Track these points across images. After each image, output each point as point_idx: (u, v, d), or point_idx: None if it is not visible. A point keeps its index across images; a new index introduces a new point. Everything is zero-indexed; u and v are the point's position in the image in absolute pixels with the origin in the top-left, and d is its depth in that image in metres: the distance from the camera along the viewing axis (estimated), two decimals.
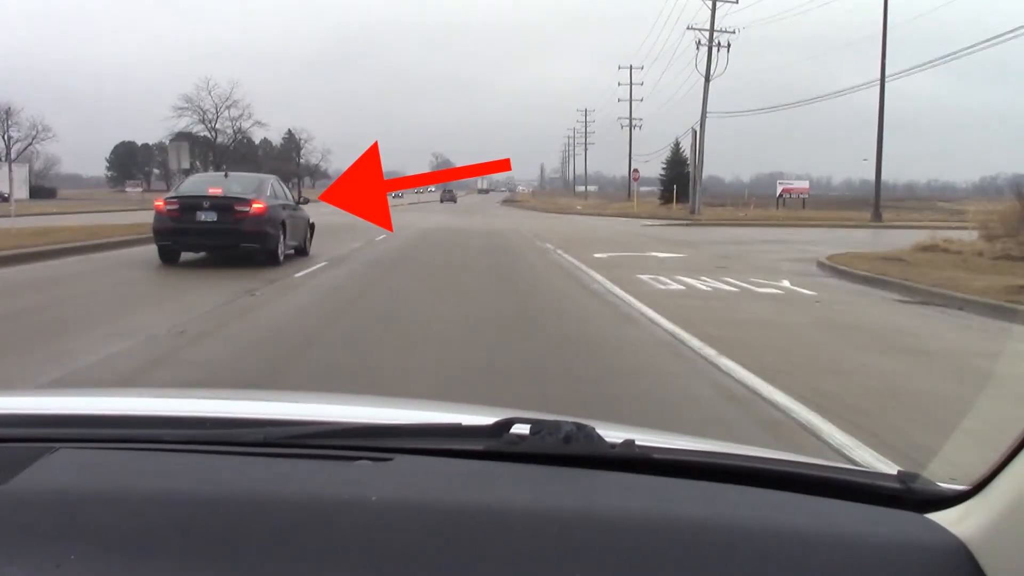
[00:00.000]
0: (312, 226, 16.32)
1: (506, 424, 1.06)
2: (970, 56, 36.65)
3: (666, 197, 67.60)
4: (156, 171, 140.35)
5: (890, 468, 3.19)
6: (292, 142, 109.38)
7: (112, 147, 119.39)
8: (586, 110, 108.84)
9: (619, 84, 79.62)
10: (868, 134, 37.45)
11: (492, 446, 1.03)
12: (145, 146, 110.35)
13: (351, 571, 0.81)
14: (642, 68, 80.00)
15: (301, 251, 15.36)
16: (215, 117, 78.90)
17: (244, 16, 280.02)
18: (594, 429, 1.04)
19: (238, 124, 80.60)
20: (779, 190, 52.67)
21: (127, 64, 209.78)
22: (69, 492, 0.92)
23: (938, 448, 4.07)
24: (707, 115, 47.76)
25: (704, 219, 40.61)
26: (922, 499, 0.97)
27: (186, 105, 77.60)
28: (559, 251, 18.24)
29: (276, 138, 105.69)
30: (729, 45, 45.72)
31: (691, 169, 47.22)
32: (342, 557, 0.82)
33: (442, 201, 79.18)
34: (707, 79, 47.18)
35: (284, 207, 14.50)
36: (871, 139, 36.37)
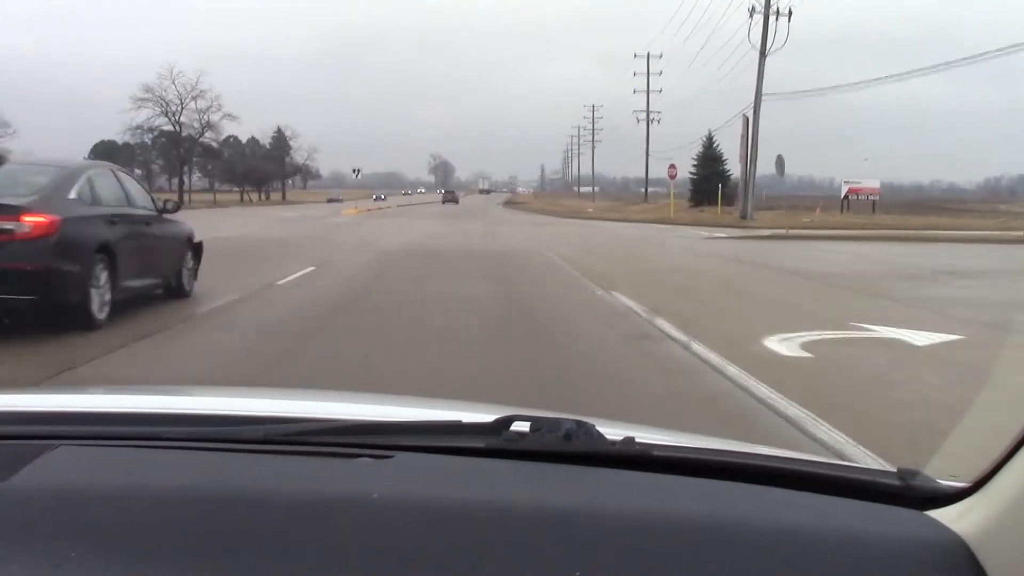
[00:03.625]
0: (197, 248, 10.14)
1: (506, 421, 1.05)
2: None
3: (696, 199, 58.73)
4: (139, 171, 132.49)
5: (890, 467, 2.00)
6: (281, 140, 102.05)
7: (91, 146, 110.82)
8: (593, 105, 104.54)
9: (634, 74, 70.59)
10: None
11: (492, 443, 1.02)
12: (127, 145, 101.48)
13: (352, 568, 0.79)
14: (660, 56, 71.08)
15: (175, 290, 9.52)
16: (179, 109, 69.93)
17: (244, 16, 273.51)
18: (594, 426, 1.04)
19: (206, 117, 71.59)
20: (844, 190, 43.38)
21: (117, 63, 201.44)
22: (69, 490, 0.91)
23: (938, 446, 3.87)
24: (762, 97, 38.92)
25: (760, 225, 32.37)
26: (922, 496, 0.96)
27: (147, 95, 68.74)
28: (665, 323, 7.98)
29: (271, 138, 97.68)
30: (791, 13, 37.04)
31: (744, 163, 38.31)
32: (343, 554, 0.81)
33: (444, 202, 78.60)
34: (763, 53, 38.76)
35: (115, 219, 8.11)
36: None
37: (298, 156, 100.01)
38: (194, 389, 2.30)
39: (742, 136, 39.91)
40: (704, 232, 29.35)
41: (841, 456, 3.73)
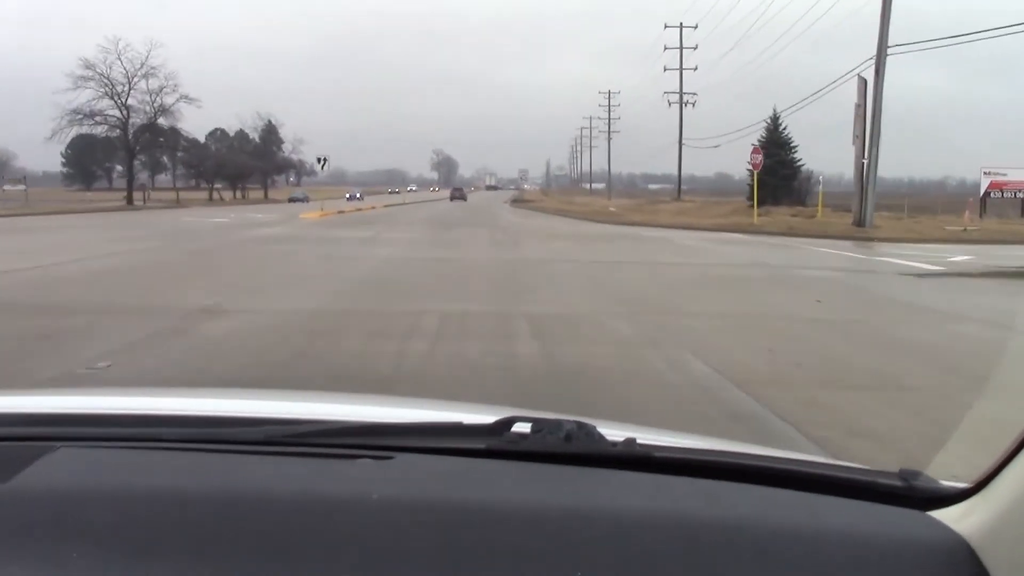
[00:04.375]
0: None
1: (507, 423, 1.04)
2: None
3: (758, 196, 46.65)
4: (119, 167, 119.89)
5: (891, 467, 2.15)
6: (271, 132, 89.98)
7: (69, 141, 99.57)
8: (610, 91, 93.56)
9: (665, 48, 58.28)
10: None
11: (493, 444, 1.02)
12: (107, 139, 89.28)
13: (352, 570, 0.79)
14: (696, 27, 59.05)
15: None
16: (126, 89, 57.83)
17: (244, 11, 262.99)
18: (595, 427, 1.03)
19: (158, 99, 59.46)
20: (984, 185, 31.64)
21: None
22: (70, 491, 0.91)
23: (940, 446, 3.82)
24: (887, 51, 27.10)
25: (891, 235, 23.30)
26: (924, 497, 0.95)
27: (88, 73, 56.72)
28: None
29: (260, 131, 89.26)
30: None
31: (861, 144, 26.28)
32: (343, 555, 0.81)
33: (452, 199, 73.84)
34: None
35: None
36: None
37: (285, 149, 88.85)
38: (195, 391, 2.29)
39: (857, 106, 27.71)
40: (862, 253, 17.56)
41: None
